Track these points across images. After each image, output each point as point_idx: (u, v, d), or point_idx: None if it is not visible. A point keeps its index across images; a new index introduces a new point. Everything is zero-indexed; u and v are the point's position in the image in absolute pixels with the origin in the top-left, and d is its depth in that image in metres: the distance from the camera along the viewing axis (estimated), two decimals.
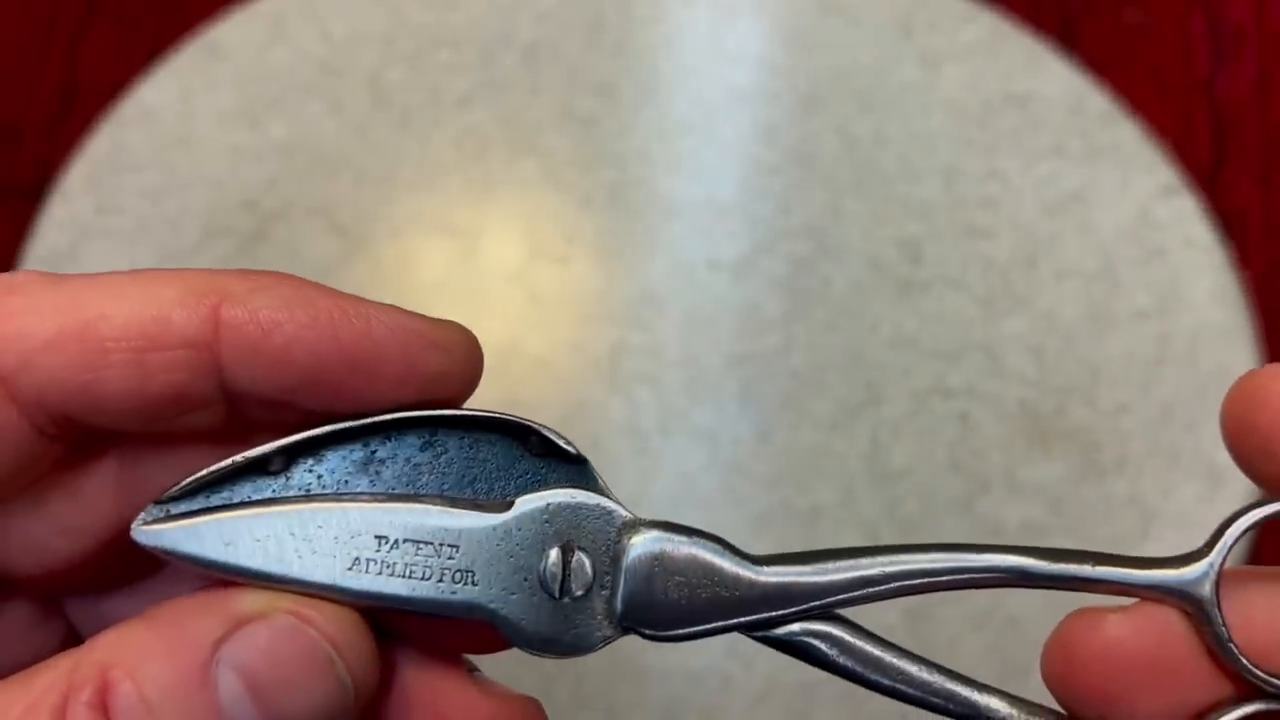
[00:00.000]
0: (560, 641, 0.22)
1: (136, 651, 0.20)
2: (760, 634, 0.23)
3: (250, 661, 0.20)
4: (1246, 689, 0.22)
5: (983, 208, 0.60)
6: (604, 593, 0.22)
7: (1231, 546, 0.22)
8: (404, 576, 0.22)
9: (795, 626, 0.23)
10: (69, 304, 0.21)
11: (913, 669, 0.23)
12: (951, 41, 0.63)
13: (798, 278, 0.58)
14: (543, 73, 0.63)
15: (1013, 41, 0.63)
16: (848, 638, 0.23)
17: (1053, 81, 0.62)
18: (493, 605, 0.22)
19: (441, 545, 0.22)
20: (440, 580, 0.22)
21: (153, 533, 0.22)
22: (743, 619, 0.23)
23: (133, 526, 0.22)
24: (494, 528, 0.22)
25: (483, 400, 0.23)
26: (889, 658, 0.23)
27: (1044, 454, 0.54)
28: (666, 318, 0.57)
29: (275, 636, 0.21)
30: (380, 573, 0.22)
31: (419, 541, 0.22)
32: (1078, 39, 0.64)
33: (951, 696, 0.23)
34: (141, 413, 0.21)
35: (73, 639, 0.26)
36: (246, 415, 0.22)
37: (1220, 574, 0.22)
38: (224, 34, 0.64)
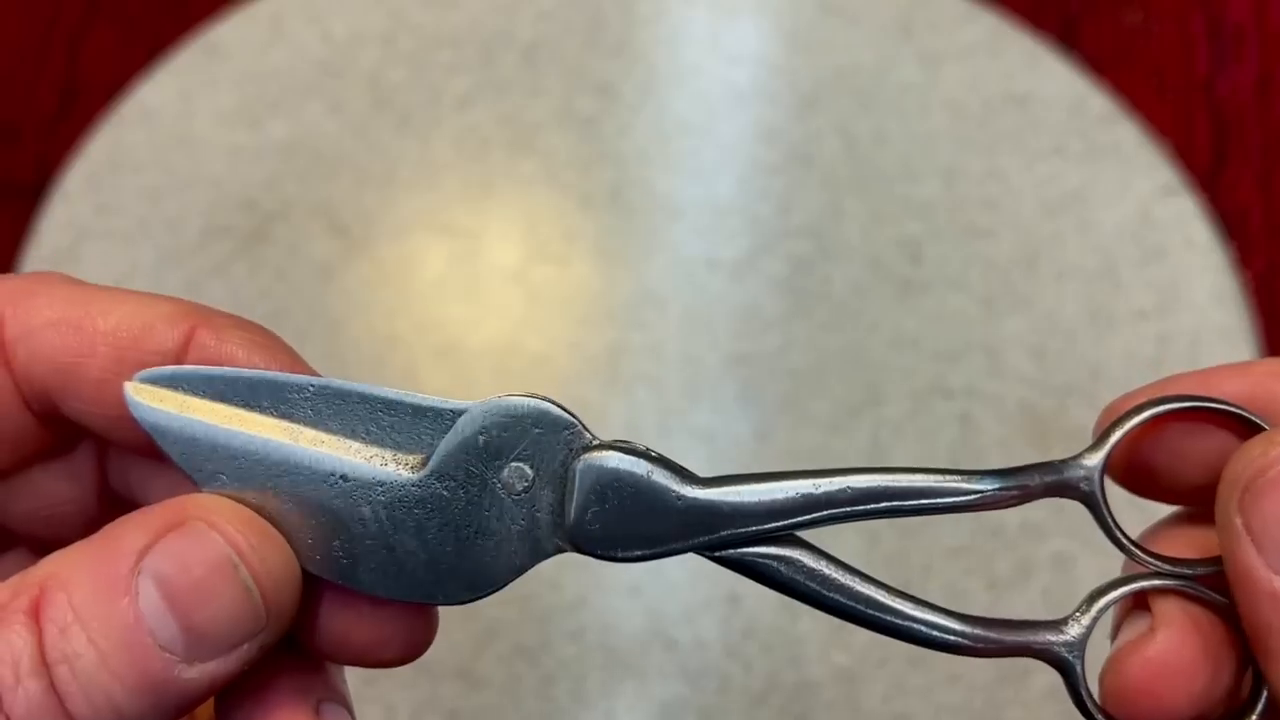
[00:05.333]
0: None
1: (72, 564, 0.22)
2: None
3: (165, 569, 0.22)
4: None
5: (983, 208, 0.60)
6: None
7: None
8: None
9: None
10: (78, 298, 0.24)
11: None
12: (951, 42, 0.63)
13: (798, 278, 0.58)
14: (543, 73, 0.63)
15: (1013, 42, 0.63)
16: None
17: (1053, 82, 0.62)
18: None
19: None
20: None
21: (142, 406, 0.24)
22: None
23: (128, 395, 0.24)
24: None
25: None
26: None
27: (1044, 454, 0.54)
28: (666, 318, 0.57)
29: (187, 544, 0.22)
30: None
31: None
32: (1078, 39, 0.64)
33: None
34: (105, 403, 0.24)
35: None
36: None
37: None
38: (224, 34, 0.64)
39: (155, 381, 0.24)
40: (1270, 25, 0.64)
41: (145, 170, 0.60)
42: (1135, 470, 0.26)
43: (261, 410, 0.24)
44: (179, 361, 0.24)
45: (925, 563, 0.52)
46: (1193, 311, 0.57)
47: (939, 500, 0.24)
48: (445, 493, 0.24)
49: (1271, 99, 0.63)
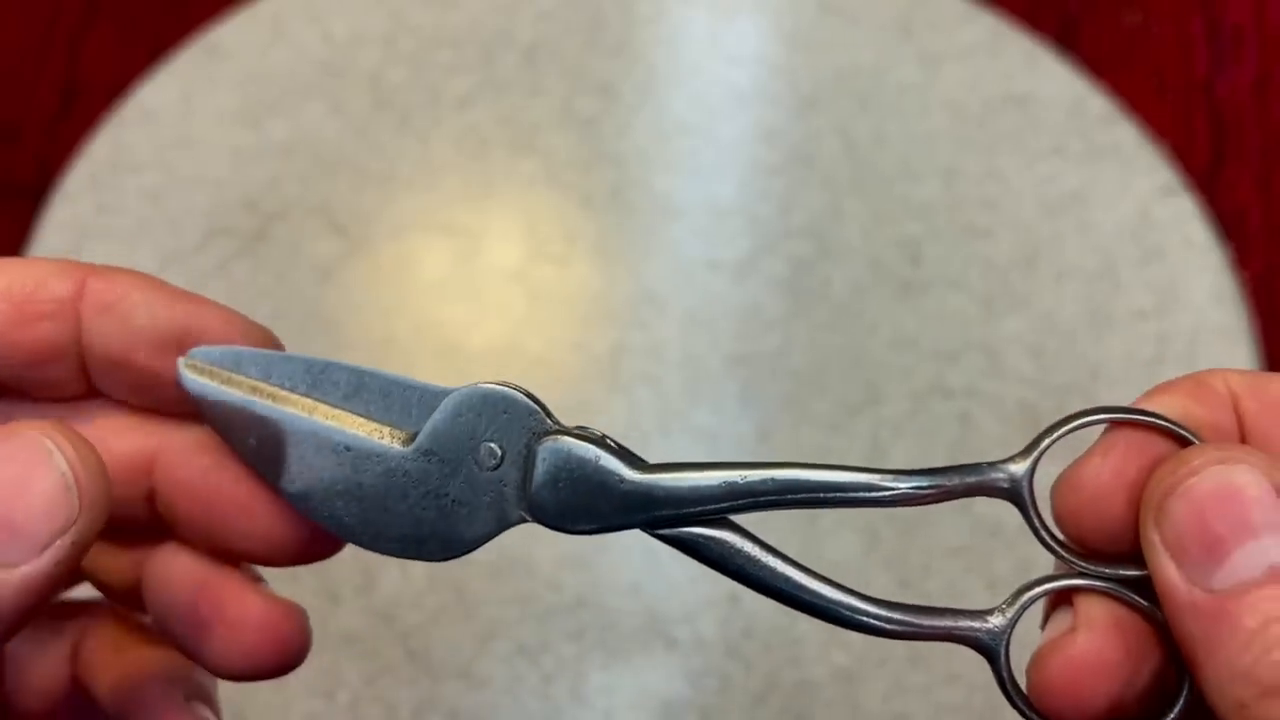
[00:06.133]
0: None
1: None
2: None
3: None
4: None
5: (982, 208, 0.60)
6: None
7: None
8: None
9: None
10: None
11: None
12: (951, 42, 0.63)
13: (798, 278, 0.58)
14: (543, 73, 0.63)
15: (1012, 42, 0.63)
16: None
17: (1052, 82, 0.62)
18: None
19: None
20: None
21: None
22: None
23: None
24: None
25: None
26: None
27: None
28: (666, 318, 0.57)
29: (3, 446, 0.24)
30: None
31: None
32: (1077, 40, 0.64)
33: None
34: (15, 353, 0.26)
35: None
36: (94, 383, 0.27)
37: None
38: (225, 35, 0.64)
39: (204, 359, 0.27)
40: (1270, 25, 0.64)
41: (146, 170, 0.60)
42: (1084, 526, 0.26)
43: (289, 388, 0.27)
44: (75, 308, 0.26)
45: (925, 563, 0.52)
46: (1191, 311, 0.57)
47: (854, 494, 0.26)
48: (429, 465, 0.27)
49: (1271, 99, 0.63)
